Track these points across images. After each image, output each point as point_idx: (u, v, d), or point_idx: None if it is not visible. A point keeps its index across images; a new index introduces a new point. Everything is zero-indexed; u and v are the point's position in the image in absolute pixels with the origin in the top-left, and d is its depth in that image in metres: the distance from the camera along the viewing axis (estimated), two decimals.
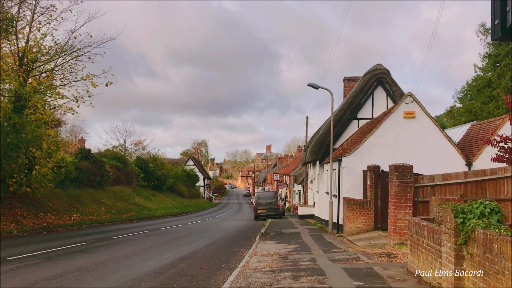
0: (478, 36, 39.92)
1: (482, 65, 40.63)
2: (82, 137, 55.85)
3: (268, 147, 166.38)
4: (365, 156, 16.30)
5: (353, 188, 16.43)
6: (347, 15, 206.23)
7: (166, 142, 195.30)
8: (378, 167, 15.05)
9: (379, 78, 23.23)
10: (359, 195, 16.18)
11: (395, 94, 22.92)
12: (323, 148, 23.65)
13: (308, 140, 33.66)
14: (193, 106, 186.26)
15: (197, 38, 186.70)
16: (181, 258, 11.03)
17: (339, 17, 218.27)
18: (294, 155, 77.52)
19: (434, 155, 15.70)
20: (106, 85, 20.84)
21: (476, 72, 40.85)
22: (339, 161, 17.00)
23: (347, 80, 29.20)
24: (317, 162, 25.65)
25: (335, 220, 17.47)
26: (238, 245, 14.31)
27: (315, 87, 18.00)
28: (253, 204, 34.10)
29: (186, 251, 12.34)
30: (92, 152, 32.73)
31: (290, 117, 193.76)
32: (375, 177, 14.95)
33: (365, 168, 15.72)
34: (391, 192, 11.78)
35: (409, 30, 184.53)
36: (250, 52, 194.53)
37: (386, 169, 14.93)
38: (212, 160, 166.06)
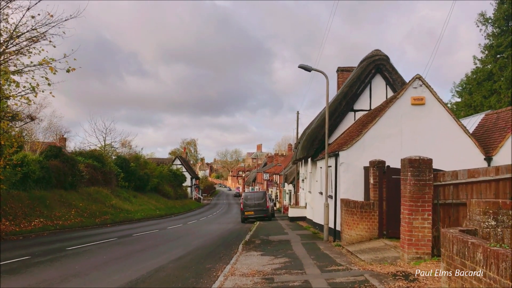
0: (478, 27, 37.76)
1: (481, 57, 38.49)
2: (63, 135, 53.05)
3: (259, 147, 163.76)
4: (366, 150, 13.85)
5: (352, 187, 13.98)
6: (342, 14, 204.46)
7: (157, 142, 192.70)
8: (383, 162, 12.62)
9: (377, 65, 20.87)
10: (359, 196, 13.74)
11: (396, 83, 20.59)
12: (315, 143, 21.19)
13: (299, 136, 31.20)
14: (184, 106, 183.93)
15: (189, 36, 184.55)
16: (134, 281, 8.45)
17: (334, 15, 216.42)
18: (284, 154, 75.05)
19: (447, 148, 13.32)
20: (68, 71, 18.19)
21: (475, 64, 38.69)
22: (336, 156, 14.53)
23: (341, 71, 26.76)
24: (309, 159, 23.21)
25: (331, 225, 15.00)
26: (215, 258, 11.77)
27: (307, 69, 15.50)
28: (241, 205, 31.54)
29: (147, 269, 9.76)
30: (63, 150, 29.89)
31: (283, 116, 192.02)
32: (380, 174, 12.50)
33: (367, 164, 13.27)
34: (404, 192, 9.33)
35: (404, 28, 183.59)
36: (243, 50, 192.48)
37: (393, 165, 12.53)
38: (202, 159, 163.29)
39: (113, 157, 44.63)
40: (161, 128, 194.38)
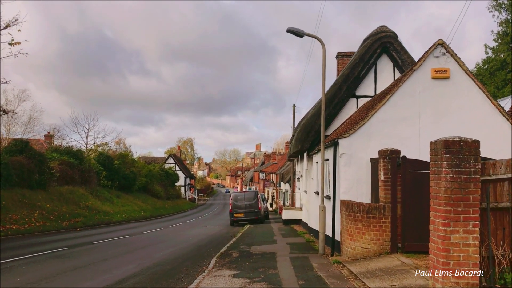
0: (490, 12, 34.68)
1: (494, 46, 35.38)
2: (49, 132, 50.06)
3: (258, 146, 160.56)
4: (374, 138, 10.76)
5: (355, 186, 10.87)
6: (349, 11, 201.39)
7: (158, 141, 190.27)
8: (397, 152, 9.52)
9: (383, 43, 17.73)
10: (365, 197, 10.65)
11: (405, 64, 17.46)
12: (311, 135, 18.05)
13: (295, 128, 28.06)
14: (186, 105, 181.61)
15: (192, 34, 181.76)
16: None
17: (340, 12, 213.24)
18: (282, 152, 71.87)
19: (479, 135, 10.10)
20: (11, 44, 15.27)
21: (487, 54, 35.59)
22: (334, 145, 11.42)
23: (341, 57, 23.58)
24: (305, 154, 20.13)
25: (328, 233, 11.87)
26: (170, 281, 8.69)
27: (299, 34, 12.28)
28: (230, 207, 28.41)
29: None
30: (30, 144, 26.74)
31: (285, 116, 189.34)
32: (393, 168, 9.41)
33: (375, 155, 10.19)
34: (436, 191, 6.23)
35: (412, 26, 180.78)
36: (247, 48, 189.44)
37: (409, 156, 9.47)
38: (200, 159, 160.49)
39: (107, 153, 41.59)
40: (162, 128, 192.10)
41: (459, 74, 10.59)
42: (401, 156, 9.42)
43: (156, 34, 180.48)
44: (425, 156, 9.68)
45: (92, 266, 10.46)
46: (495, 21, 34.71)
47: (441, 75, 10.57)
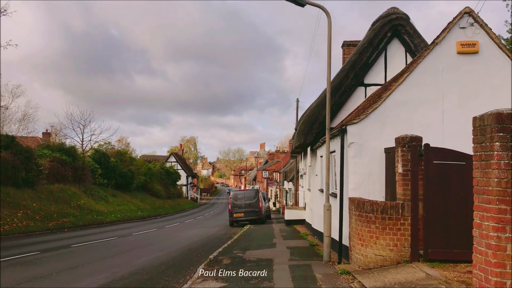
0: (504, 1, 32.84)
1: (508, 38, 33.50)
2: (47, 130, 48.75)
3: (262, 145, 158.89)
4: (389, 124, 9.11)
5: (367, 181, 9.22)
6: (358, 9, 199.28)
7: (163, 141, 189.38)
8: (419, 139, 7.87)
9: (394, 26, 16.09)
10: (378, 194, 9.00)
11: (418, 49, 15.78)
12: (315, 127, 16.38)
13: (297, 122, 26.38)
14: (191, 105, 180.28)
15: (198, 32, 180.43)
16: None
17: (349, 10, 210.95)
18: (286, 150, 70.16)
19: None
20: None
21: None
22: (342, 133, 9.75)
23: (347, 46, 21.86)
24: (308, 149, 18.50)
25: (335, 236, 10.21)
26: None
27: (300, 3, 10.64)
28: (229, 206, 26.80)
29: None
30: (16, 140, 25.23)
31: (291, 115, 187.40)
32: (413, 158, 7.74)
33: (391, 144, 8.54)
34: (484, 184, 4.56)
35: (421, 23, 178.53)
36: (254, 46, 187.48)
37: (432, 144, 7.82)
38: (204, 158, 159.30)
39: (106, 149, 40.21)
40: (168, 128, 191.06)
41: (490, 48, 8.93)
42: (423, 144, 7.76)
43: (162, 33, 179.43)
44: (450, 145, 8.06)
45: (55, 275, 8.87)
46: (509, 11, 32.80)
47: (468, 49, 8.90)
